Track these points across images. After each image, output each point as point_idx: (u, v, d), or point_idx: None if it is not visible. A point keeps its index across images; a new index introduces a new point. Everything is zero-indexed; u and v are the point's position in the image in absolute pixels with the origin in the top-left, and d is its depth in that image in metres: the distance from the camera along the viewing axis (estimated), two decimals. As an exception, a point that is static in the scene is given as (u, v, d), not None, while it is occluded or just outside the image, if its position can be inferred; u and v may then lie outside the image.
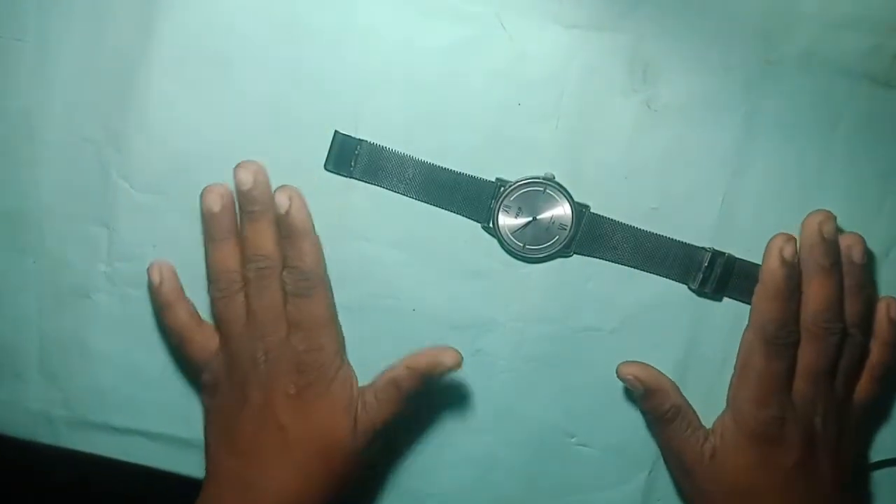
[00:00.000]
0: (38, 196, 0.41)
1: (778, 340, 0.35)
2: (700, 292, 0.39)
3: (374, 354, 0.38)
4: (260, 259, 0.37)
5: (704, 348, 0.39)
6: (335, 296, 0.39)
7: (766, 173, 0.39)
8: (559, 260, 0.40)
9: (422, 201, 0.40)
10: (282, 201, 0.36)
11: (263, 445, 0.36)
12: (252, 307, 0.37)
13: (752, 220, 0.39)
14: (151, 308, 0.40)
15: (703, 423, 0.38)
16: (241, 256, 0.37)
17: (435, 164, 0.39)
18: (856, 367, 0.36)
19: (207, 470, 0.38)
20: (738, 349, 0.38)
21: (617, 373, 0.38)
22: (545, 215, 0.39)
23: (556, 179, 0.39)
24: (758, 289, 0.36)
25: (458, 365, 0.36)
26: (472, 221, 0.40)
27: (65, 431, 0.42)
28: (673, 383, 0.38)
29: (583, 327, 0.40)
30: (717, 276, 0.38)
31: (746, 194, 0.39)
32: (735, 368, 0.38)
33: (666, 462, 0.40)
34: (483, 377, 0.40)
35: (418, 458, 0.41)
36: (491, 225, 0.39)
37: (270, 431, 0.36)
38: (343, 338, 0.39)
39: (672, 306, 0.40)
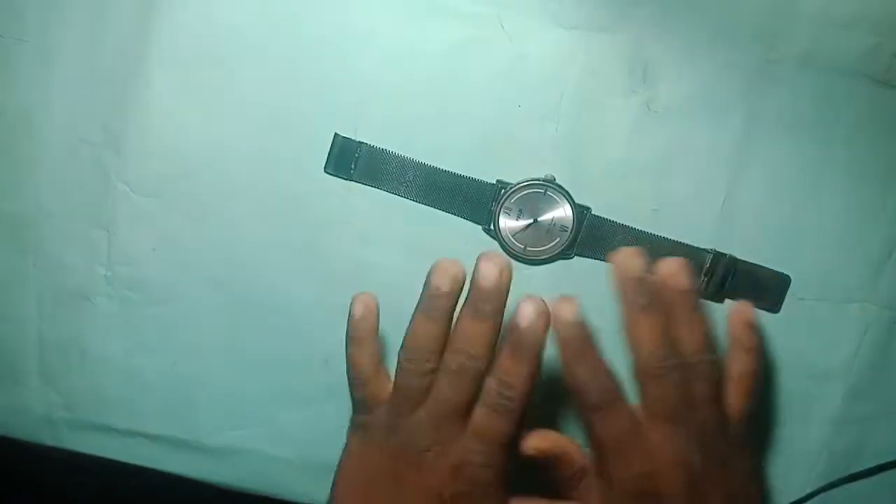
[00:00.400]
0: (38, 198, 0.41)
1: (601, 405, 0.32)
2: (702, 294, 0.39)
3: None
4: (469, 358, 0.33)
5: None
6: (334, 297, 0.39)
7: (766, 173, 0.39)
8: (560, 262, 0.40)
9: (422, 204, 0.39)
10: (529, 315, 0.32)
11: None
12: (439, 394, 0.33)
13: (753, 221, 0.39)
14: (150, 309, 0.41)
15: None
16: (446, 337, 0.34)
17: (435, 166, 0.39)
18: (715, 389, 0.33)
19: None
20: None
21: (520, 449, 0.35)
22: (546, 217, 0.39)
23: (557, 181, 0.38)
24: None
25: None
26: (472, 224, 0.40)
27: (66, 433, 0.42)
28: (577, 444, 0.35)
29: (583, 328, 0.40)
30: (719, 277, 0.39)
31: (747, 194, 0.39)
32: None
33: None
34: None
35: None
36: (492, 227, 0.39)
37: None
38: (511, 473, 0.35)
39: (673, 307, 0.39)
